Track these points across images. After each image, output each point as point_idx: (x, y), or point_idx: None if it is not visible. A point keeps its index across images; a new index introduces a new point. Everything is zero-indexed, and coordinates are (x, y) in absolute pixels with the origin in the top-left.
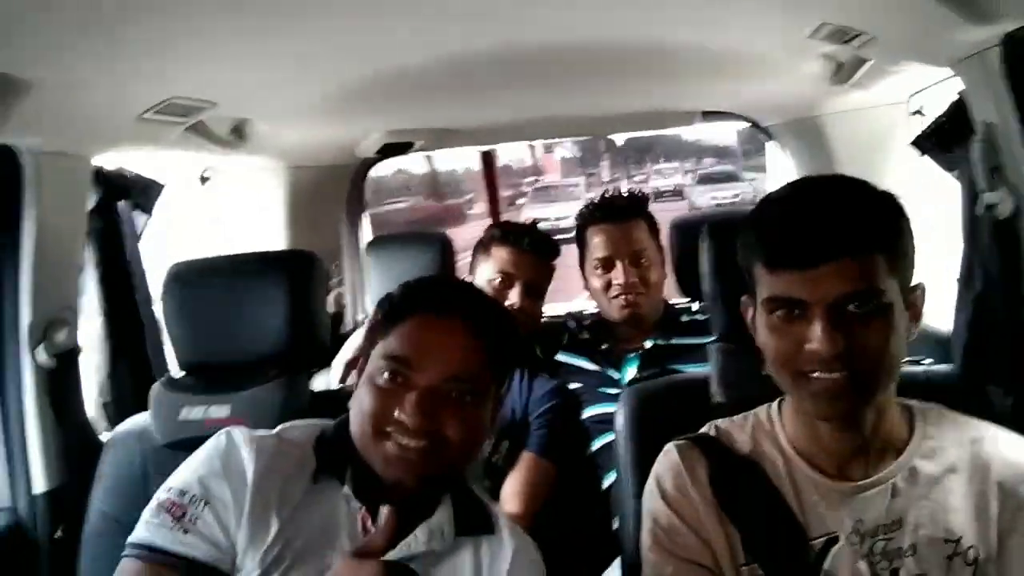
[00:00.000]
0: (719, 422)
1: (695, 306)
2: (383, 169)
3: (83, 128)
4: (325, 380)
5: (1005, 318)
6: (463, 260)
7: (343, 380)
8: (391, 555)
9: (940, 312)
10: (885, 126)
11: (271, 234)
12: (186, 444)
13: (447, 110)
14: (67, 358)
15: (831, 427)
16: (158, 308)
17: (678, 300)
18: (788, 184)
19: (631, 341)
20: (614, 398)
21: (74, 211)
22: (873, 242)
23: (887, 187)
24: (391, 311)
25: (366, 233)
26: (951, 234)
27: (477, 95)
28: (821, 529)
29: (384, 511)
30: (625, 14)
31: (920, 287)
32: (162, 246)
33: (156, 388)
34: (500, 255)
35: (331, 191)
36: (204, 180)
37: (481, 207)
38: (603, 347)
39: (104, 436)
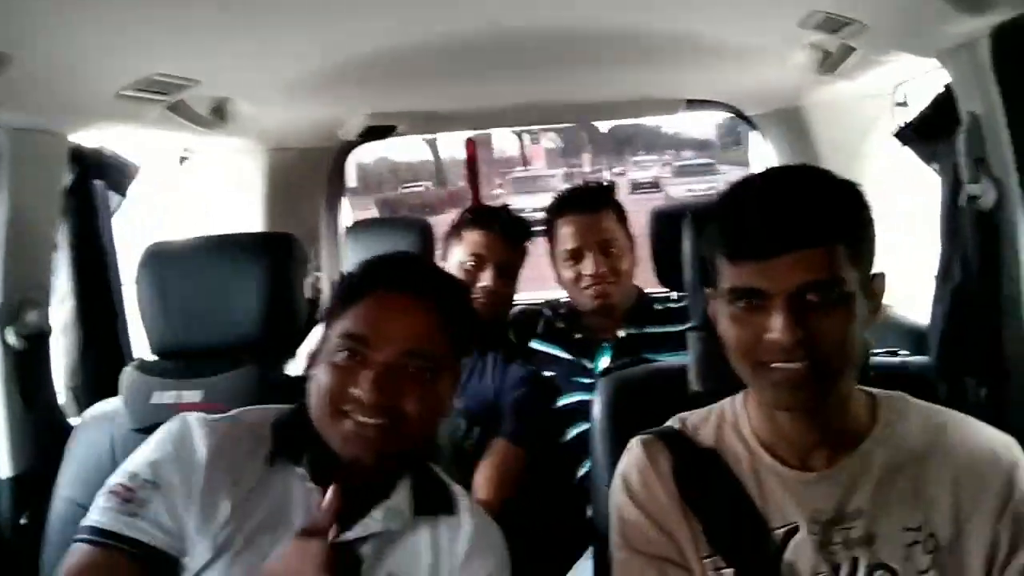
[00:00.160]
0: (685, 415)
1: (674, 295)
2: (397, 155)
3: (60, 105)
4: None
5: (983, 310)
6: None
7: (307, 370)
8: (347, 535)
9: (918, 303)
10: (869, 117)
11: (249, 217)
12: (157, 429)
13: (430, 94)
14: (37, 340)
15: (792, 417)
16: (130, 291)
17: (656, 289)
18: (748, 176)
19: (604, 330)
20: (588, 387)
21: (49, 190)
22: (833, 232)
23: (869, 178)
24: (347, 291)
25: (346, 217)
26: (931, 226)
27: (461, 80)
28: (782, 519)
29: (329, 491)
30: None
31: (880, 276)
32: (137, 228)
33: (127, 372)
34: (472, 238)
35: (311, 174)
36: (183, 160)
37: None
38: (577, 336)
39: (73, 421)
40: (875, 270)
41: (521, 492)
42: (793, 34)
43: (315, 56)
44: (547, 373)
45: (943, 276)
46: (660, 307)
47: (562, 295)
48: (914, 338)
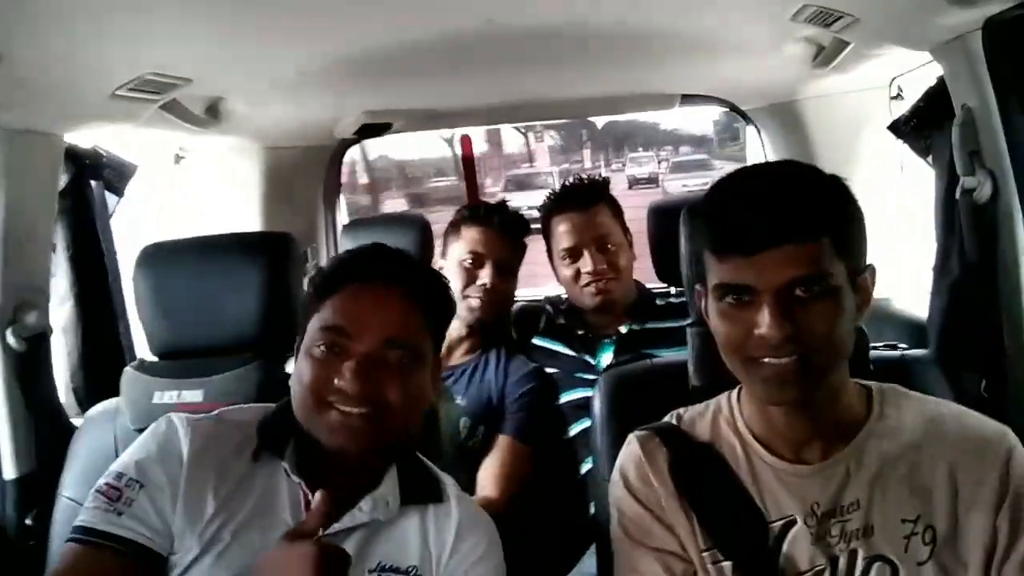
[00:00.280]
0: (682, 411)
1: (673, 290)
2: (416, 152)
3: (54, 105)
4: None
5: (981, 302)
6: None
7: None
8: (335, 527)
9: (916, 296)
10: (865, 110)
11: (246, 216)
12: None
13: (426, 91)
14: (37, 341)
15: (784, 411)
16: (129, 290)
17: (655, 285)
18: (734, 171)
19: (606, 327)
20: (590, 383)
21: (45, 190)
22: (818, 226)
23: (865, 171)
24: (323, 284)
25: (343, 216)
26: (928, 219)
27: (456, 77)
28: (779, 512)
29: (318, 494)
30: None
31: (870, 268)
32: (134, 228)
33: (128, 372)
34: (470, 235)
35: (308, 173)
36: (178, 160)
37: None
38: (579, 332)
39: (76, 421)
40: (870, 263)
41: (525, 489)
42: (786, 28)
43: (308, 54)
44: (550, 370)
45: (940, 269)
46: (661, 302)
47: (558, 291)
48: (913, 331)
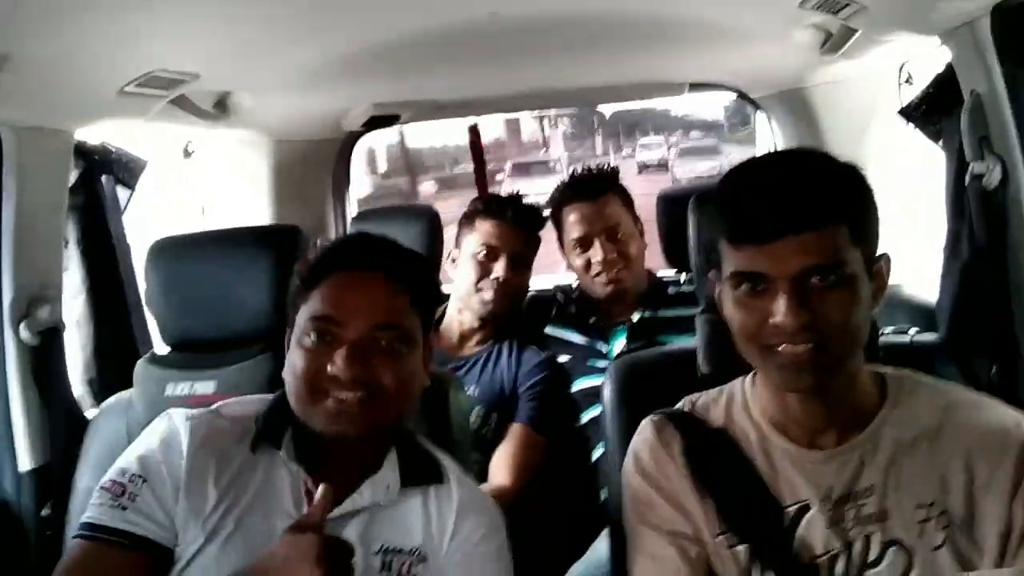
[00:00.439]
0: (694, 397)
1: (683, 277)
2: (446, 139)
3: (63, 102)
4: None
5: (992, 287)
6: None
7: None
8: (336, 512)
9: (926, 281)
10: (874, 96)
11: (256, 209)
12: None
13: (434, 82)
14: (50, 335)
15: (800, 398)
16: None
17: (666, 272)
18: (750, 159)
19: (618, 314)
20: (603, 371)
21: (55, 186)
22: (834, 214)
23: (875, 157)
24: (309, 275)
25: (352, 208)
26: (938, 204)
27: (464, 67)
28: (794, 497)
29: (321, 487)
30: None
31: (885, 257)
32: (145, 222)
33: (141, 365)
34: (484, 228)
35: (317, 165)
36: (188, 154)
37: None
38: (591, 320)
39: (90, 413)
40: (881, 250)
41: (538, 476)
42: (794, 15)
43: (316, 48)
44: (562, 358)
45: (950, 254)
46: (673, 290)
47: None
48: (923, 316)
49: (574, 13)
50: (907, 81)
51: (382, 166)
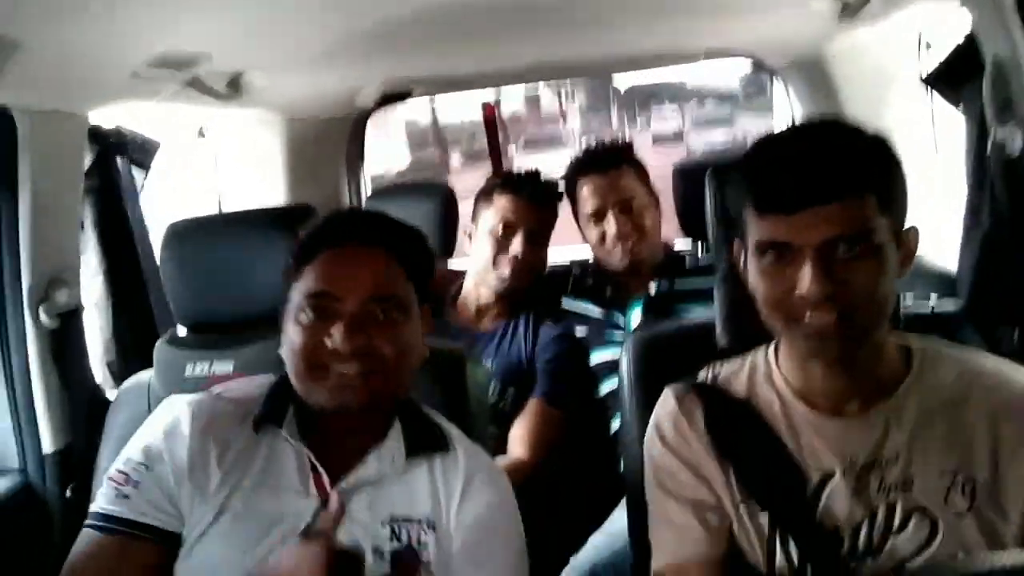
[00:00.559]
0: (716, 367)
1: (700, 251)
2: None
3: (76, 85)
4: None
5: (1013, 255)
6: None
7: None
8: (342, 485)
9: (944, 250)
10: (892, 63)
11: (270, 188)
12: None
13: (447, 56)
14: (70, 318)
15: (825, 367)
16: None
17: (682, 245)
18: (778, 131)
19: (635, 287)
20: (620, 343)
21: (71, 169)
22: (862, 183)
23: (893, 125)
24: (302, 252)
25: (366, 185)
26: (958, 172)
27: (477, 41)
28: (817, 466)
29: (333, 497)
30: None
31: (913, 229)
32: (160, 203)
33: (160, 345)
34: (501, 204)
35: (330, 143)
36: (202, 135)
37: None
38: (608, 293)
39: (111, 394)
40: (913, 224)
41: (555, 449)
42: None
43: (327, 25)
44: (579, 331)
45: (971, 221)
46: (690, 262)
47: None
48: (943, 283)
49: None
50: (926, 47)
51: (417, 140)
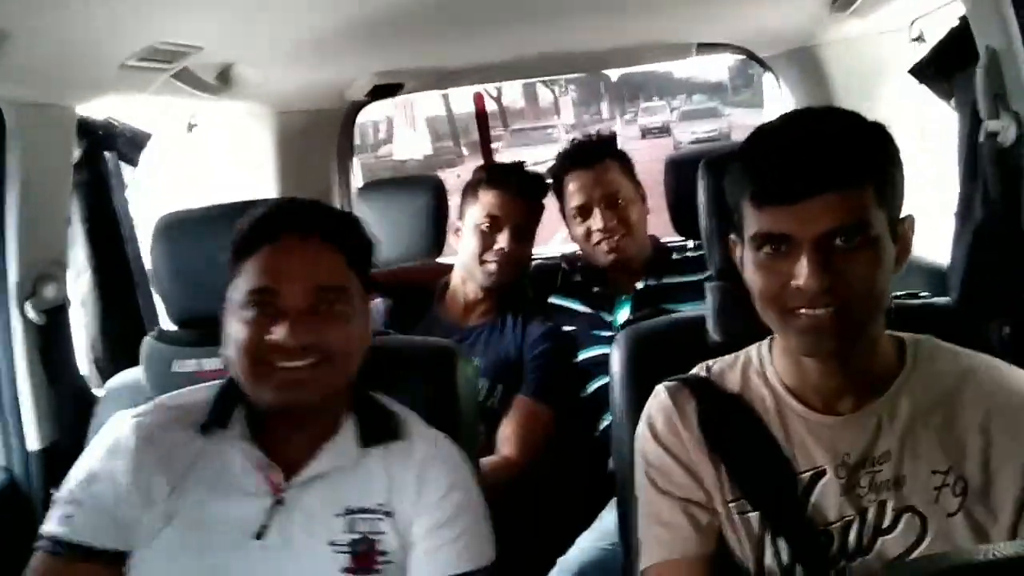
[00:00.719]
0: (710, 363)
1: (690, 244)
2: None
3: (64, 77)
4: None
5: (1005, 248)
6: None
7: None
8: (296, 479)
9: (935, 244)
10: (885, 54)
11: (260, 182)
12: None
13: (438, 50)
14: (57, 314)
15: (819, 363)
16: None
17: (673, 239)
18: (775, 118)
19: (622, 283)
20: (608, 340)
21: (59, 163)
22: (860, 174)
23: (886, 117)
24: (240, 246)
25: (357, 178)
26: (948, 165)
27: (468, 33)
28: (809, 463)
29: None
30: None
31: (909, 219)
32: (149, 197)
33: (147, 341)
34: (487, 199)
35: (320, 136)
36: (191, 128)
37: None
38: (595, 289)
39: (97, 392)
40: (909, 213)
41: (545, 447)
42: None
43: (317, 17)
44: (567, 328)
45: (962, 215)
46: (678, 256)
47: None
48: (934, 278)
49: None
50: (918, 39)
51: (436, 131)
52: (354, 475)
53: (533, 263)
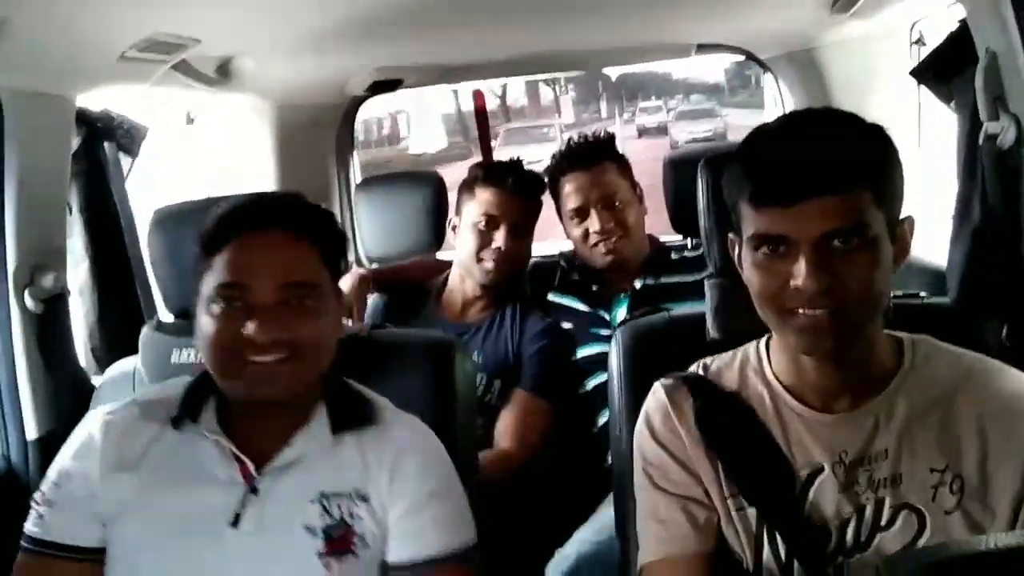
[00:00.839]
0: (708, 360)
1: (690, 243)
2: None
3: (64, 67)
4: None
5: (1004, 250)
6: None
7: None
8: (269, 468)
9: (933, 245)
10: (885, 57)
11: (260, 175)
12: None
13: (438, 46)
14: (55, 303)
15: (817, 362)
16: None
17: (672, 238)
18: (774, 119)
19: (620, 283)
20: (606, 339)
21: (58, 153)
22: (858, 176)
23: (886, 119)
24: (210, 240)
25: (356, 173)
26: (948, 167)
27: (469, 29)
28: (807, 460)
29: None
30: None
31: (908, 220)
32: (148, 188)
33: (145, 332)
34: (484, 197)
35: (320, 131)
36: (190, 120)
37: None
38: (594, 288)
39: (95, 380)
40: (908, 215)
41: (543, 442)
42: None
43: (318, 11)
44: (565, 325)
45: (961, 216)
46: (676, 256)
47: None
48: (933, 280)
49: None
50: (919, 41)
51: (450, 126)
52: (327, 461)
53: (531, 261)
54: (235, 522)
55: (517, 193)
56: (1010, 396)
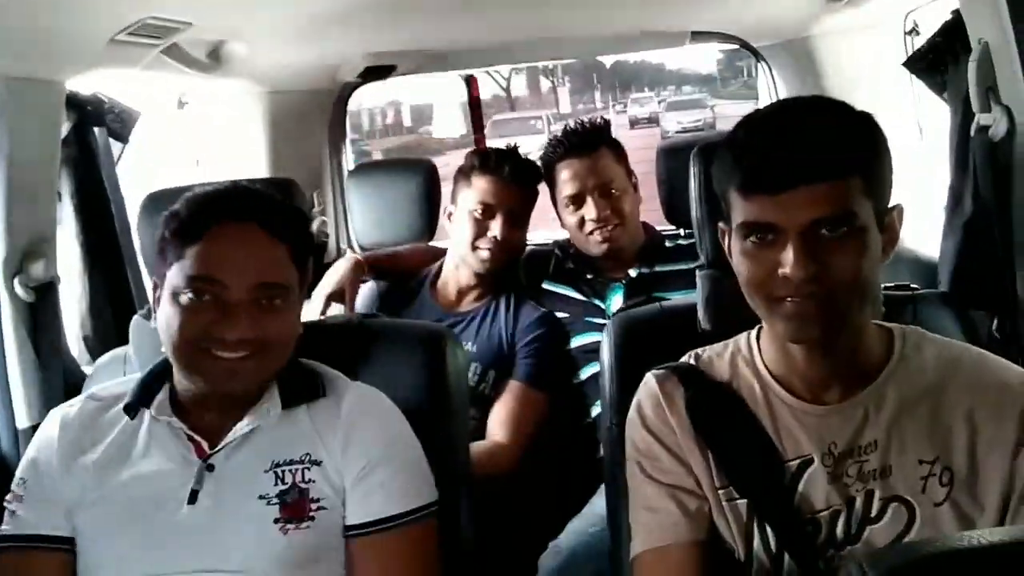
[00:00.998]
0: (699, 351)
1: (682, 232)
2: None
3: (53, 51)
4: (308, 310)
5: (995, 241)
6: None
7: (323, 313)
8: (223, 444)
9: (924, 236)
10: (879, 46)
11: (251, 161)
12: None
13: (431, 32)
14: (45, 291)
15: (805, 351)
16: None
17: (665, 227)
18: (763, 107)
19: (615, 271)
20: (600, 328)
21: (48, 138)
22: (847, 164)
23: (879, 108)
24: (183, 229)
25: (348, 160)
26: (941, 157)
27: (462, 16)
28: (796, 452)
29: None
30: None
31: (897, 208)
32: (138, 174)
33: (136, 320)
34: (480, 185)
35: (312, 117)
36: (181, 105)
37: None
38: (588, 277)
39: (86, 369)
40: (898, 203)
41: (537, 432)
42: None
43: None
44: (560, 314)
45: (953, 207)
46: (671, 245)
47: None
48: (925, 271)
49: None
50: (913, 31)
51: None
52: (279, 432)
53: (526, 249)
54: (192, 499)
55: (514, 181)
56: (999, 386)
